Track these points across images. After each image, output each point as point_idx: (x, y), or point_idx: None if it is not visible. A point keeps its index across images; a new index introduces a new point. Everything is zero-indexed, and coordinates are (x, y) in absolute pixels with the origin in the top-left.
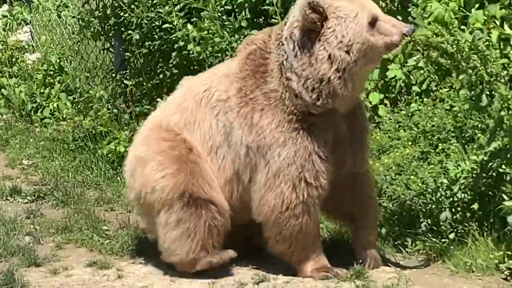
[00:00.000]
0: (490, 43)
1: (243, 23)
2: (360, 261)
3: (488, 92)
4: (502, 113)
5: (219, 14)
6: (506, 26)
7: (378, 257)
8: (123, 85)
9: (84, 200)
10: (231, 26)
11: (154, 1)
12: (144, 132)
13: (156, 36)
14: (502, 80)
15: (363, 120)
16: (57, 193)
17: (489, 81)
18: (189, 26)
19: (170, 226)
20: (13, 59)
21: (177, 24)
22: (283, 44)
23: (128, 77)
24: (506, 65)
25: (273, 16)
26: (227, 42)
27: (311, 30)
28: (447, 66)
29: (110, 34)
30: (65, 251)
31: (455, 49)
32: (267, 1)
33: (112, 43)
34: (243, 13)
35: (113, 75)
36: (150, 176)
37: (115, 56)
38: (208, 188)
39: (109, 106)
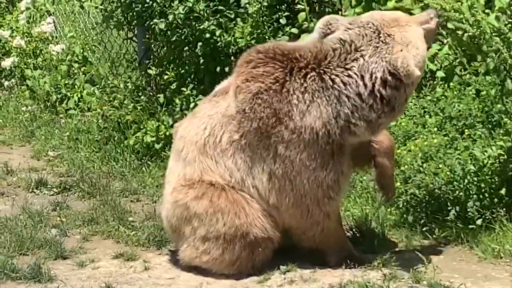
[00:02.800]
0: None
1: (282, 20)
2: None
3: None
4: None
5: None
6: None
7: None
8: (147, 74)
9: (110, 191)
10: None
11: None
12: (167, 198)
13: (181, 25)
14: None
15: None
16: (83, 184)
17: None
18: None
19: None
20: (38, 51)
21: (204, 14)
22: (349, 98)
23: (151, 66)
24: None
25: (300, 3)
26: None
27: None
28: (470, 49)
29: (134, 24)
30: (92, 243)
31: (475, 30)
32: None
33: (136, 32)
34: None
35: (137, 64)
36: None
37: (138, 46)
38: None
39: (134, 96)
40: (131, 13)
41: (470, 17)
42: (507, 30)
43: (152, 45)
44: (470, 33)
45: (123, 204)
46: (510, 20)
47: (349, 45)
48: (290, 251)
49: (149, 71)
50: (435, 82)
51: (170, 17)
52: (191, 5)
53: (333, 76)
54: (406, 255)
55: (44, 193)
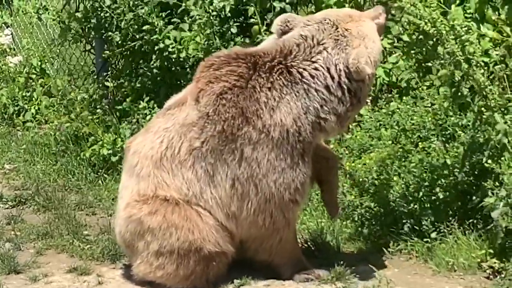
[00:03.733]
0: (470, 28)
1: (233, 29)
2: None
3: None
4: (481, 103)
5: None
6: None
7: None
8: (104, 87)
9: (65, 204)
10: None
11: (135, 2)
12: (120, 214)
13: (136, 37)
14: (481, 71)
15: None
16: (38, 198)
17: (467, 70)
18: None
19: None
20: None
21: (157, 25)
22: (317, 91)
23: (109, 79)
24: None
25: (252, 16)
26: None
27: None
28: (423, 49)
29: (91, 36)
30: (46, 257)
31: (429, 28)
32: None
33: (93, 45)
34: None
35: (95, 77)
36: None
37: (96, 58)
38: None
39: (91, 108)
40: (87, 26)
41: (426, 14)
42: (463, 32)
43: (110, 58)
44: (426, 30)
45: (78, 217)
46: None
47: (311, 39)
48: (245, 265)
49: (106, 83)
50: (390, 95)
51: (123, 29)
52: (141, 15)
53: (300, 70)
54: (360, 269)
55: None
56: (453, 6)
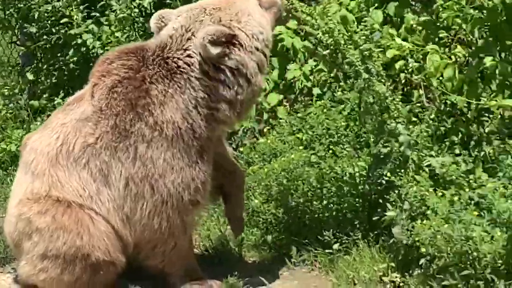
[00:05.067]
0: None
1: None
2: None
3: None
4: (385, 115)
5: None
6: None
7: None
8: (27, 80)
9: None
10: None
11: None
12: (11, 211)
13: (53, 30)
14: (383, 80)
15: None
16: None
17: (368, 80)
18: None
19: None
20: None
21: (76, 19)
22: (199, 79)
23: (30, 72)
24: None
25: None
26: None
27: (232, 49)
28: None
29: (17, 27)
30: None
31: (326, 39)
32: None
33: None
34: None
35: (18, 70)
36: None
37: (20, 50)
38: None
39: (6, 103)
40: (9, 17)
41: (323, 24)
42: (362, 42)
43: (34, 51)
44: (324, 43)
45: None
46: (364, 32)
47: (180, 28)
48: (134, 273)
49: (28, 76)
50: (308, 99)
51: (40, 21)
52: (59, 7)
53: (175, 60)
54: (256, 280)
55: None
56: (371, 9)
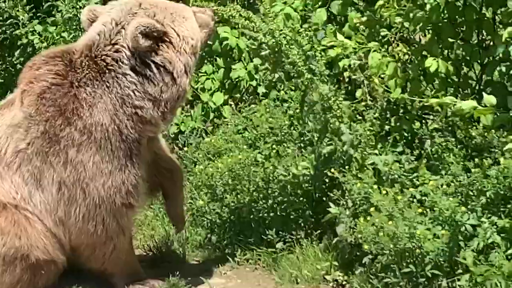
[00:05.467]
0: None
1: None
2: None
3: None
4: (328, 114)
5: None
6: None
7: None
8: None
9: None
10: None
11: None
12: None
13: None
14: (325, 79)
15: None
16: None
17: (310, 79)
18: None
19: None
20: None
21: (21, 19)
22: (125, 75)
23: None
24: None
25: None
26: None
27: (161, 45)
28: (269, 62)
29: None
30: None
31: (268, 40)
32: None
33: None
34: None
35: None
36: None
37: None
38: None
39: None
40: None
41: (264, 26)
42: (305, 43)
43: None
44: (265, 44)
45: None
46: (307, 32)
47: (110, 23)
48: (78, 273)
49: None
50: (252, 98)
51: None
52: (5, 8)
53: (103, 57)
54: (198, 280)
55: None
56: (317, 8)
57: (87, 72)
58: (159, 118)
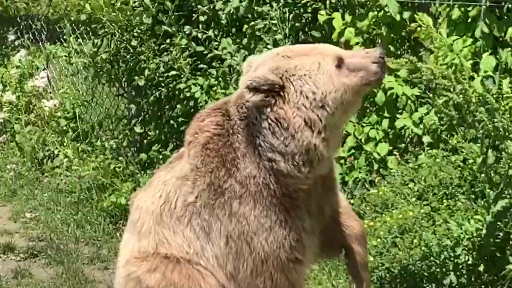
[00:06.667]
0: (500, 95)
1: None
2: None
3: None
4: (511, 171)
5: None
6: None
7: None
8: (134, 133)
9: (78, 258)
10: None
11: (162, 46)
12: (119, 272)
13: (161, 84)
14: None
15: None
16: (51, 250)
17: (496, 136)
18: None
19: None
20: (31, 106)
21: (183, 72)
22: (254, 124)
23: (138, 125)
24: None
25: None
26: None
27: (277, 100)
28: (452, 119)
29: (124, 80)
30: None
31: (461, 99)
32: None
33: (126, 89)
34: None
35: (125, 122)
36: None
37: (128, 103)
38: None
39: (115, 156)
40: (117, 68)
41: (456, 84)
42: (494, 100)
43: (139, 103)
44: (455, 101)
45: (88, 272)
46: (497, 90)
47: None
48: None
49: (136, 129)
50: (418, 149)
51: (149, 74)
52: (168, 61)
53: (243, 105)
54: None
55: (11, 259)
56: (484, 55)
57: (236, 120)
58: (295, 171)
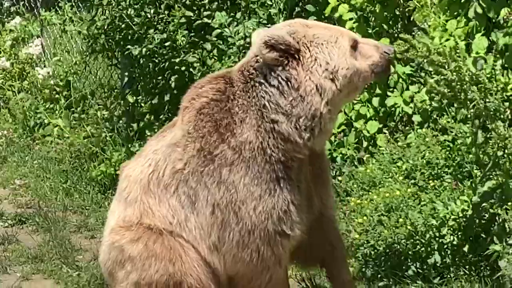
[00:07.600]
0: (493, 75)
1: None
2: None
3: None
4: (499, 153)
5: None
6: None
7: None
8: (126, 103)
9: (65, 226)
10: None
11: (160, 16)
12: (104, 240)
13: (156, 55)
14: (502, 117)
15: (325, 158)
16: (39, 218)
17: (486, 116)
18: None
19: None
20: (24, 73)
21: (182, 43)
22: (261, 84)
23: (131, 95)
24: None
25: None
26: None
27: (290, 61)
28: (444, 96)
29: (117, 50)
30: (31, 283)
31: (455, 77)
32: None
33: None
34: None
35: (117, 92)
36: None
37: (121, 73)
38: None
39: (107, 125)
40: (111, 39)
41: (451, 62)
42: (486, 80)
43: (132, 73)
44: (449, 78)
45: (75, 241)
46: (489, 70)
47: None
48: None
49: (128, 98)
50: (408, 128)
51: (144, 46)
52: (166, 35)
53: (248, 67)
54: None
55: None
56: (477, 36)
57: (239, 84)
58: (295, 135)
